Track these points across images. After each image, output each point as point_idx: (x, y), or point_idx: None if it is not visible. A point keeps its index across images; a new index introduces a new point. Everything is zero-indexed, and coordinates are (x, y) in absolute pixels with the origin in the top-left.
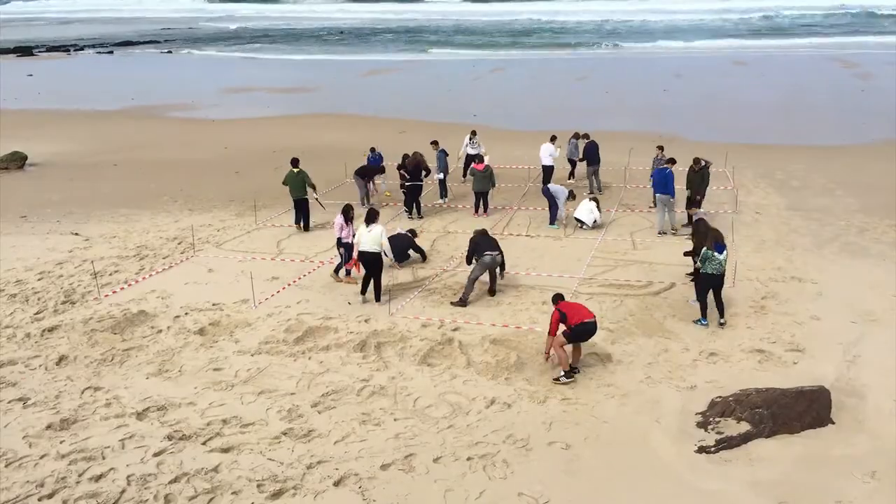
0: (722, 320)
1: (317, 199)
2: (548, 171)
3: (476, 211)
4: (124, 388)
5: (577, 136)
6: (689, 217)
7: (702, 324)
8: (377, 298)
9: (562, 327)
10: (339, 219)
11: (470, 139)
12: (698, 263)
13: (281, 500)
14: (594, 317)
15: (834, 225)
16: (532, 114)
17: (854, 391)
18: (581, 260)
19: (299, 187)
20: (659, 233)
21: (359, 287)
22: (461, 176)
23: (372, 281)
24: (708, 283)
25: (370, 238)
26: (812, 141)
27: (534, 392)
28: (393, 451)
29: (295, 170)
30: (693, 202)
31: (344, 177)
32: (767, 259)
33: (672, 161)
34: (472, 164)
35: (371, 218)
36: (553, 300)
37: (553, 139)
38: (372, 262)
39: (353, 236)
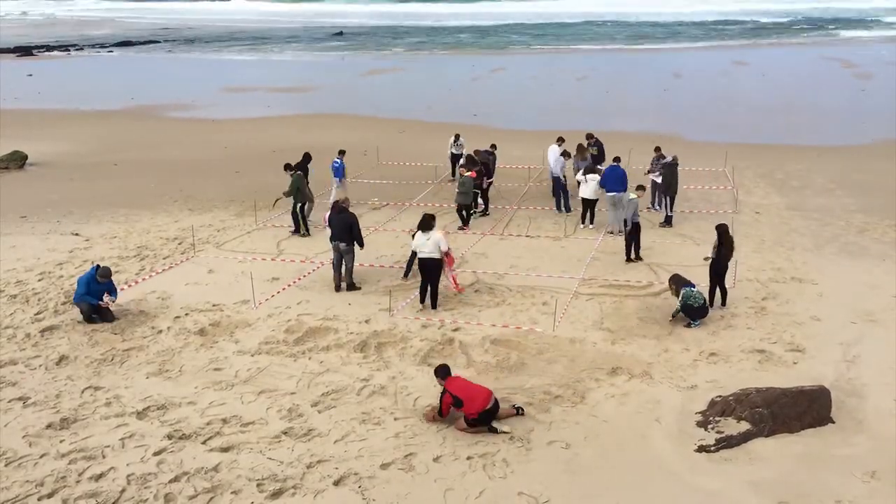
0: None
1: (277, 200)
2: (557, 183)
3: (465, 225)
4: (124, 387)
5: (589, 137)
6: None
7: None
8: (433, 306)
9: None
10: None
11: (455, 141)
12: (681, 301)
13: (281, 500)
14: (492, 394)
15: (833, 225)
16: (532, 113)
17: (854, 391)
18: (581, 260)
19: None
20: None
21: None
22: (450, 175)
23: (429, 287)
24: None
25: (430, 244)
26: (812, 141)
27: (533, 392)
28: (393, 451)
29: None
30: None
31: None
32: (767, 259)
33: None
34: (462, 171)
35: (427, 225)
36: (440, 374)
37: (560, 141)
38: (431, 269)
39: None
